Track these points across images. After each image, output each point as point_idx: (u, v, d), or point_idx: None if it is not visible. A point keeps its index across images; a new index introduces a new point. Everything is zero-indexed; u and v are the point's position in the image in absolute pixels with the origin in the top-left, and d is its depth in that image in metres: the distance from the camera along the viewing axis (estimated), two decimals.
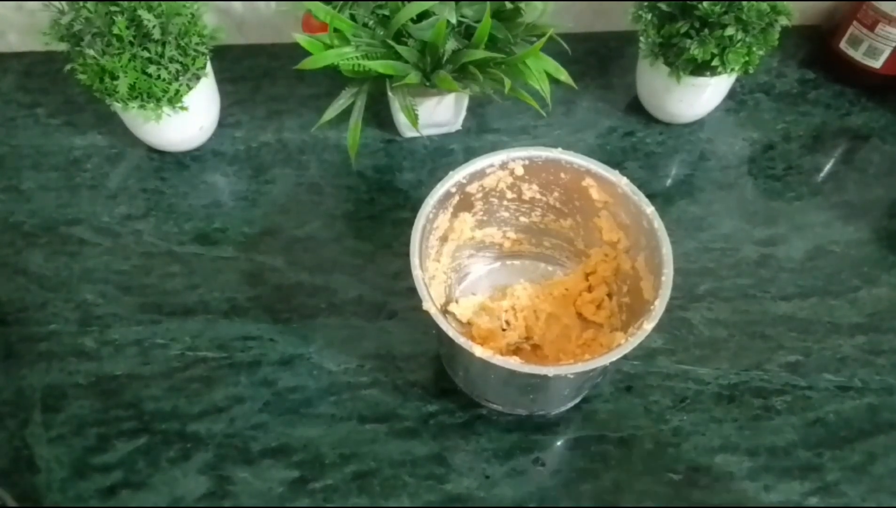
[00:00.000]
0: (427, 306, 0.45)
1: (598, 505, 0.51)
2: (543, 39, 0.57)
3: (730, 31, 0.59)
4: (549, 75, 0.60)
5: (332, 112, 0.61)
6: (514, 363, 0.44)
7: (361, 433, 0.53)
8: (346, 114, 0.62)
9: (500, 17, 0.60)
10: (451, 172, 0.51)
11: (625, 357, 0.44)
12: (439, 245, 0.54)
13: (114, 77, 0.57)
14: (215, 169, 0.67)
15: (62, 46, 0.58)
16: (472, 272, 0.59)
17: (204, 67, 0.62)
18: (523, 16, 0.60)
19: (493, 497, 0.51)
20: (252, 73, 0.74)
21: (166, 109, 0.60)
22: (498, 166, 0.52)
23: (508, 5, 0.59)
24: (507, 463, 0.52)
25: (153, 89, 0.58)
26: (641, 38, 0.65)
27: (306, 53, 0.58)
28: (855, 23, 0.71)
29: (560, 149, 0.52)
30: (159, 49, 0.58)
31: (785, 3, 0.61)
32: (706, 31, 0.60)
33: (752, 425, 0.54)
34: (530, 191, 0.54)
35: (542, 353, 0.55)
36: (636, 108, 0.72)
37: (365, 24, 0.59)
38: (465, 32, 0.60)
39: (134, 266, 0.61)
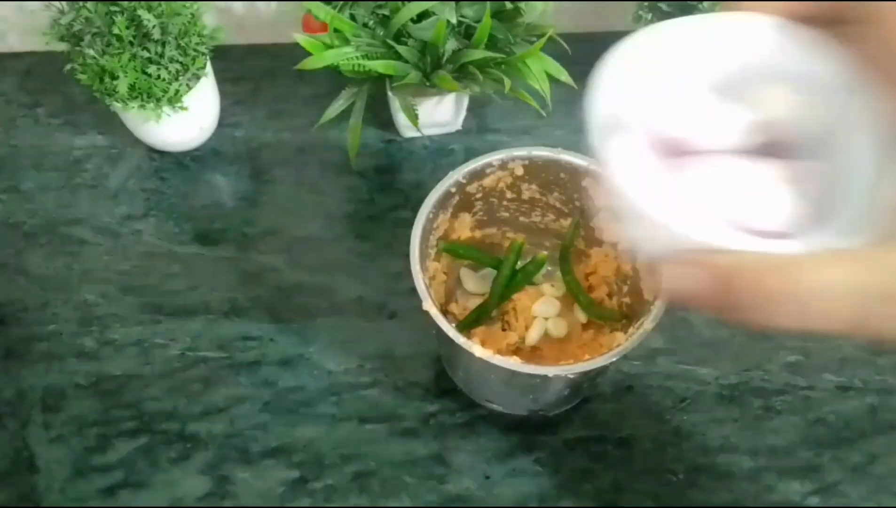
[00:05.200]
0: (427, 306, 0.45)
1: (598, 505, 0.51)
2: (543, 39, 0.57)
3: None
4: (549, 75, 0.60)
5: (332, 112, 0.61)
6: (514, 363, 0.44)
7: (361, 433, 0.53)
8: (346, 114, 0.62)
9: (500, 17, 0.60)
10: (451, 172, 0.51)
11: (625, 357, 0.44)
12: (439, 245, 0.54)
13: (114, 77, 0.57)
14: (215, 169, 0.67)
15: (62, 46, 0.58)
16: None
17: (204, 67, 0.62)
18: (523, 16, 0.60)
19: (493, 497, 0.51)
20: (252, 73, 0.74)
21: (166, 109, 0.60)
22: (498, 166, 0.52)
23: (508, 5, 0.59)
24: (507, 463, 0.52)
25: (153, 89, 0.58)
26: None
27: (306, 53, 0.58)
28: None
29: (560, 149, 0.52)
30: (159, 49, 0.58)
31: None
32: None
33: (753, 425, 0.54)
34: (530, 191, 0.54)
35: (541, 353, 0.55)
36: None
37: (365, 24, 0.59)
38: (465, 32, 0.60)
39: (134, 266, 0.61)
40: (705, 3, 0.59)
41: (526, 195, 0.55)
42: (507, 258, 0.54)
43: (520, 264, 0.55)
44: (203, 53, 0.61)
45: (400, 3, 0.57)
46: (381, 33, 0.59)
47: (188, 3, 0.60)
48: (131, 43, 0.57)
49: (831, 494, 0.51)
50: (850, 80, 0.28)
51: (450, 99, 0.65)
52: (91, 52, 0.56)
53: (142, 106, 0.59)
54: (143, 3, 0.57)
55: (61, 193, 0.65)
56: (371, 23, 0.59)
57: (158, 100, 0.59)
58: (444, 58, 0.59)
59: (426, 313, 0.45)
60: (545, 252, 0.55)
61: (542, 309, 0.56)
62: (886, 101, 0.26)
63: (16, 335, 0.57)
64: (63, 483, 0.51)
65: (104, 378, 0.55)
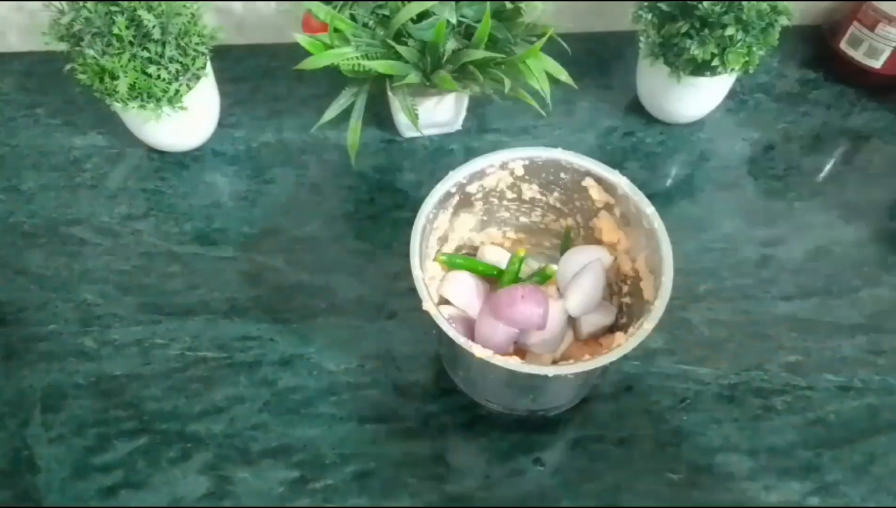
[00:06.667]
0: (427, 306, 0.45)
1: (598, 505, 0.51)
2: (543, 39, 0.57)
3: (730, 31, 0.59)
4: (549, 75, 0.60)
5: (332, 112, 0.61)
6: (514, 363, 0.44)
7: (361, 433, 0.53)
8: (346, 114, 0.62)
9: (500, 17, 0.60)
10: (451, 172, 0.51)
11: (625, 357, 0.44)
12: (439, 245, 0.54)
13: (114, 77, 0.57)
14: (215, 169, 0.67)
15: (62, 46, 0.58)
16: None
17: (204, 67, 0.62)
18: (523, 16, 0.60)
19: (493, 497, 0.51)
20: (252, 73, 0.74)
21: (166, 109, 0.60)
22: (498, 166, 0.52)
23: (508, 5, 0.59)
24: (507, 463, 0.52)
25: (153, 89, 0.58)
26: (641, 38, 0.65)
27: (306, 53, 0.58)
28: (855, 23, 0.71)
29: (560, 149, 0.52)
30: (159, 49, 0.58)
31: (785, 3, 0.61)
32: (706, 31, 0.60)
33: (753, 425, 0.54)
34: (530, 191, 0.54)
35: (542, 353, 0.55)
36: (636, 108, 0.72)
37: (365, 24, 0.59)
38: (465, 32, 0.60)
39: (134, 266, 0.61)
40: (705, 4, 0.59)
41: (526, 195, 0.55)
42: (508, 270, 0.54)
43: (524, 269, 0.55)
44: (203, 53, 0.61)
45: (400, 3, 0.57)
46: (381, 33, 0.59)
47: (188, 3, 0.60)
48: (131, 43, 0.57)
49: (831, 494, 0.51)
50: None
51: (450, 99, 0.65)
52: (91, 52, 0.56)
53: (142, 106, 0.59)
54: (143, 3, 0.57)
55: (61, 193, 0.65)
56: (371, 23, 0.59)
57: (158, 100, 0.59)
58: (444, 58, 0.59)
59: (426, 313, 0.45)
60: (554, 266, 0.54)
61: None
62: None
63: (16, 335, 0.57)
64: (63, 483, 0.51)
65: (104, 378, 0.55)
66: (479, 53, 0.57)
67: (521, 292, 0.49)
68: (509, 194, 0.55)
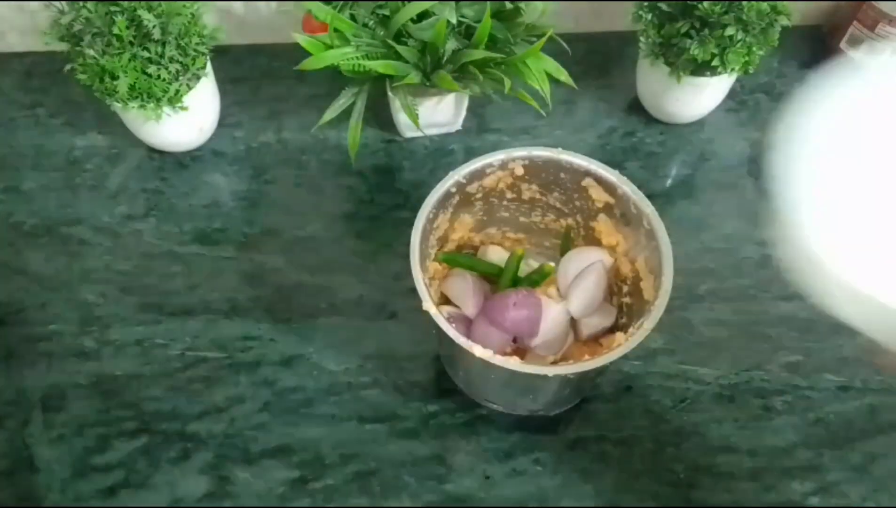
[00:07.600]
0: (427, 306, 0.45)
1: (598, 505, 0.51)
2: (543, 39, 0.57)
3: (730, 31, 0.59)
4: (549, 75, 0.60)
5: (332, 112, 0.61)
6: (514, 363, 0.44)
7: (362, 433, 0.53)
8: (346, 114, 0.62)
9: (500, 17, 0.60)
10: (451, 172, 0.51)
11: (625, 357, 0.44)
12: (439, 245, 0.54)
13: (114, 77, 0.57)
14: (215, 169, 0.67)
15: (62, 46, 0.58)
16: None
17: (204, 67, 0.62)
18: (523, 16, 0.60)
19: (493, 497, 0.51)
20: (252, 73, 0.74)
21: (166, 109, 0.60)
22: (498, 166, 0.52)
23: (508, 5, 0.59)
24: (508, 463, 0.52)
25: (153, 89, 0.58)
26: (641, 38, 0.65)
27: (306, 53, 0.58)
28: (855, 23, 0.71)
29: (560, 149, 0.52)
30: (159, 49, 0.58)
31: (785, 3, 0.61)
32: (706, 31, 0.60)
33: (753, 425, 0.54)
34: (530, 191, 0.54)
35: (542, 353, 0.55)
36: (636, 108, 0.72)
37: (365, 24, 0.59)
38: (465, 32, 0.60)
39: (134, 266, 0.61)
40: (705, 4, 0.59)
41: (526, 195, 0.55)
42: (507, 268, 0.54)
43: (523, 267, 0.55)
44: (203, 53, 0.61)
45: (400, 3, 0.57)
46: (381, 33, 0.59)
47: (188, 3, 0.60)
48: (131, 43, 0.57)
49: (831, 494, 0.51)
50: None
51: (450, 99, 0.65)
52: (91, 52, 0.56)
53: (142, 106, 0.59)
54: (143, 3, 0.57)
55: (61, 193, 0.65)
56: (371, 23, 0.59)
57: (158, 100, 0.59)
58: (444, 58, 0.59)
59: (426, 313, 0.45)
60: (551, 263, 0.54)
61: None
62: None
63: (16, 335, 0.57)
64: (63, 483, 0.51)
65: (104, 378, 0.55)
66: (479, 53, 0.57)
67: (514, 299, 0.49)
68: (509, 194, 0.55)
